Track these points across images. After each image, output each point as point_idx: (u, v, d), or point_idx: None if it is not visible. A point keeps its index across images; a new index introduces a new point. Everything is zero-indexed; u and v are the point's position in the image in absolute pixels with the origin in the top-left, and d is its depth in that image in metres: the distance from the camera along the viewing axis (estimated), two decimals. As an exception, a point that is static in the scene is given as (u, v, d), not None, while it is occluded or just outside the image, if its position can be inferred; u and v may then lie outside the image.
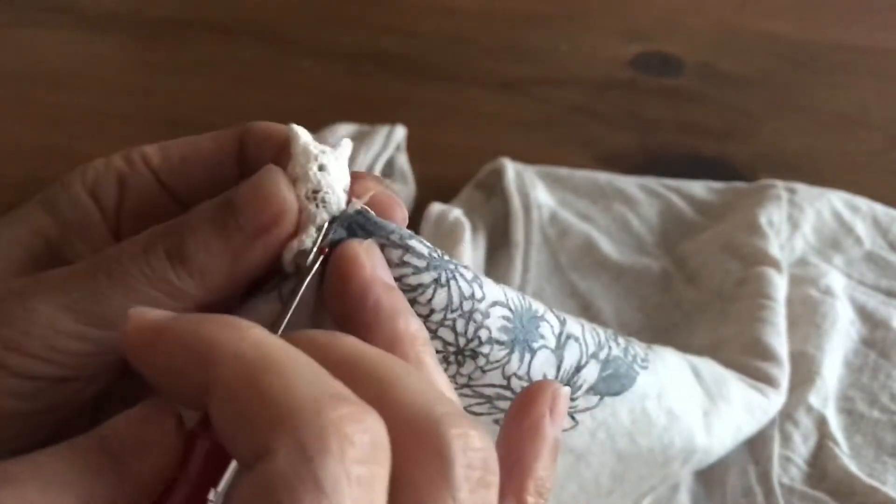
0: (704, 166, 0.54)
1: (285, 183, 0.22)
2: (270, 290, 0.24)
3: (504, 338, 0.26)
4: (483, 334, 0.26)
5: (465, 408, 0.27)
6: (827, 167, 0.54)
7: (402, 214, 0.24)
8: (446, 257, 0.25)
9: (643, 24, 0.62)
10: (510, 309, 0.27)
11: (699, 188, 0.51)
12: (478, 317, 0.26)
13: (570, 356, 0.29)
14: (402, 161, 0.53)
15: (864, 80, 0.58)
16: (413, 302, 0.24)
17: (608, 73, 0.60)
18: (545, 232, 0.49)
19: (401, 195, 0.52)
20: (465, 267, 0.26)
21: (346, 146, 0.25)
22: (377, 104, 0.58)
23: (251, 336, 0.18)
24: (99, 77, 0.61)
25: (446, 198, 0.51)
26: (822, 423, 0.40)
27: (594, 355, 0.29)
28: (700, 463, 0.36)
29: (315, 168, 0.23)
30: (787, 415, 0.40)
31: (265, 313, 0.23)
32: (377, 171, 0.52)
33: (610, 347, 0.30)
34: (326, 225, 0.23)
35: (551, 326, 0.28)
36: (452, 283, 0.25)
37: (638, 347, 0.33)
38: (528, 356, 0.27)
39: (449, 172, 0.53)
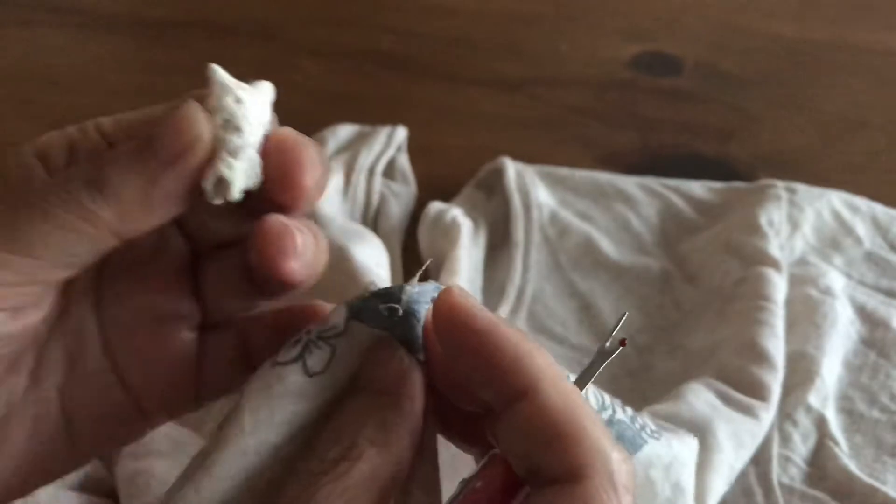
0: (704, 166, 0.54)
1: (201, 114, 0.23)
2: (290, 360, 0.24)
3: None
4: None
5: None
6: (827, 167, 0.54)
7: (309, 156, 0.25)
8: None
9: (643, 24, 0.62)
10: None
11: (699, 188, 0.51)
12: None
13: None
14: (403, 161, 0.53)
15: (864, 80, 0.58)
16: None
17: (608, 73, 0.60)
18: (545, 231, 0.49)
19: (402, 195, 0.52)
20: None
21: (267, 87, 0.26)
22: (377, 104, 0.58)
23: (561, 371, 0.22)
24: (99, 77, 0.61)
25: (446, 198, 0.51)
26: (821, 423, 0.40)
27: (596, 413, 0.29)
28: None
29: (231, 100, 0.24)
30: (786, 415, 0.40)
31: (292, 385, 0.24)
32: (379, 171, 0.52)
33: (614, 411, 0.30)
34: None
35: None
36: None
37: (647, 418, 0.32)
38: None
39: (449, 172, 0.53)
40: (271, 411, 0.23)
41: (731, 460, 0.36)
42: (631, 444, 0.30)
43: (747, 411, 0.38)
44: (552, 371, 0.22)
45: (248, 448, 0.23)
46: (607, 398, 0.30)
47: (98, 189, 0.22)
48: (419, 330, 0.24)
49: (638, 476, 0.31)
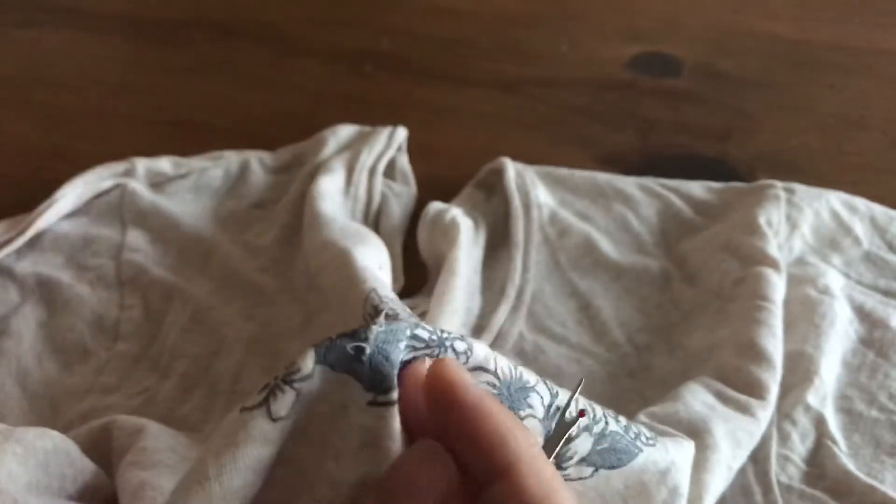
0: (703, 166, 0.54)
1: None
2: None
3: None
4: None
5: None
6: (825, 167, 0.54)
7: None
8: (445, 334, 0.26)
9: (642, 24, 0.62)
10: (497, 377, 0.27)
11: (698, 188, 0.51)
12: None
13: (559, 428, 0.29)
14: (403, 161, 0.54)
15: (863, 81, 0.58)
16: None
17: (608, 73, 0.60)
18: (545, 231, 0.49)
19: (402, 196, 0.52)
20: (462, 338, 0.27)
21: None
22: (377, 105, 0.58)
23: (540, 451, 0.23)
24: (100, 77, 0.61)
25: (446, 198, 0.51)
26: (820, 423, 0.40)
27: (587, 428, 0.29)
28: None
29: None
30: (785, 414, 0.40)
31: (256, 430, 0.24)
32: (380, 170, 0.52)
33: (606, 423, 0.30)
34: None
35: (541, 397, 0.28)
36: (440, 352, 0.26)
37: (642, 426, 0.32)
38: None
39: (449, 172, 0.54)
40: (234, 457, 0.23)
41: (728, 460, 0.36)
42: (625, 454, 0.30)
43: (744, 410, 0.38)
44: (531, 452, 0.23)
45: (213, 493, 0.23)
46: (599, 410, 0.30)
47: None
48: (389, 370, 0.24)
49: (631, 483, 0.31)
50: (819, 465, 0.39)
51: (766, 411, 0.38)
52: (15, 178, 0.55)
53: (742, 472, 0.38)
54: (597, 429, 0.30)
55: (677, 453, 0.33)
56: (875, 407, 0.41)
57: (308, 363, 0.24)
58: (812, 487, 0.38)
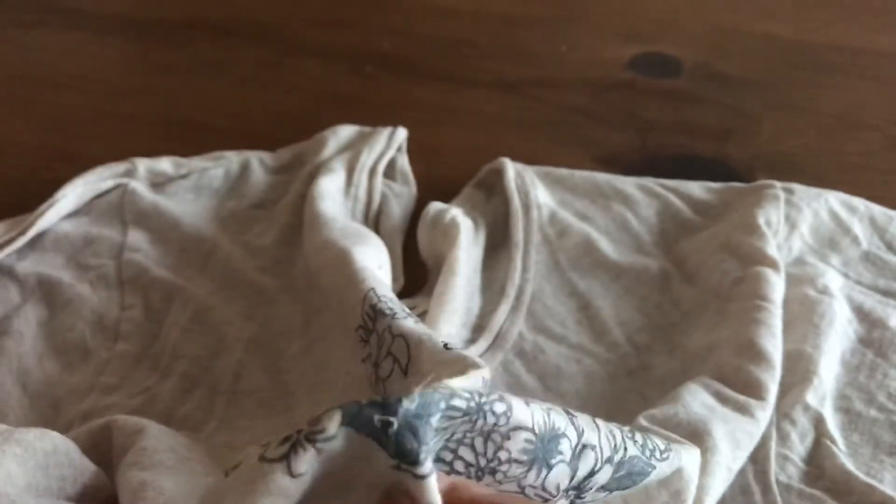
0: (703, 166, 0.54)
1: None
2: None
3: (524, 458, 0.27)
4: (503, 455, 0.27)
5: None
6: (825, 167, 0.54)
7: None
8: (483, 399, 0.26)
9: (642, 24, 0.62)
10: (534, 433, 0.27)
11: (697, 188, 0.51)
12: (496, 438, 0.26)
13: (585, 465, 0.29)
14: (403, 162, 0.54)
15: (863, 81, 0.59)
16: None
17: (607, 73, 0.60)
18: (544, 231, 0.49)
19: (402, 196, 0.52)
20: (500, 398, 0.26)
21: None
22: (377, 105, 0.59)
23: None
24: (100, 77, 0.61)
25: (446, 198, 0.51)
26: (819, 422, 0.40)
27: (609, 460, 0.30)
28: None
29: None
30: (784, 414, 0.40)
31: (274, 484, 0.24)
32: (380, 171, 0.52)
33: (626, 448, 0.30)
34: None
35: (570, 441, 0.28)
36: (479, 419, 0.26)
37: (657, 439, 0.32)
38: (544, 472, 0.28)
39: (449, 172, 0.54)
40: None
41: (728, 461, 0.36)
42: (639, 475, 0.31)
43: (743, 410, 0.38)
44: None
45: None
46: (619, 436, 0.30)
47: None
48: (415, 445, 0.24)
49: (633, 491, 0.32)
50: (818, 464, 0.39)
51: (765, 412, 0.39)
52: (15, 178, 0.55)
53: (741, 471, 0.38)
54: (616, 458, 0.30)
55: (686, 461, 0.33)
56: (874, 406, 0.41)
57: (333, 425, 0.24)
58: (811, 487, 0.38)
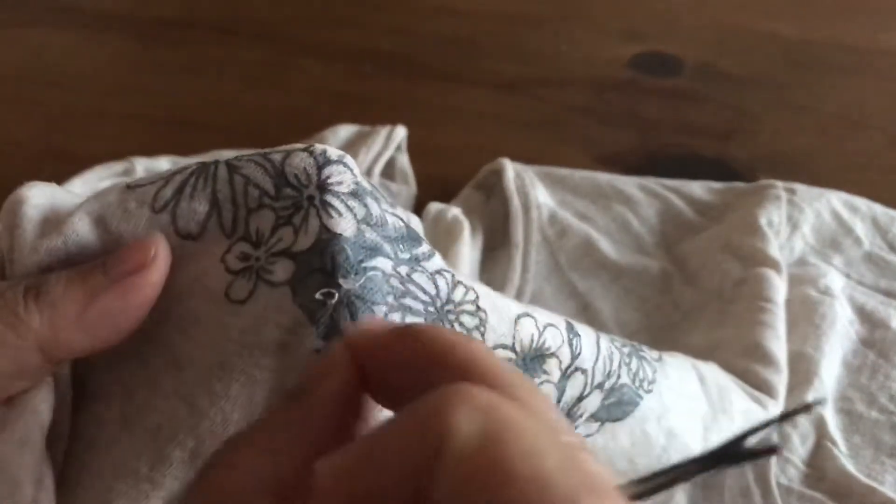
0: (704, 166, 0.54)
1: (162, 239, 0.22)
2: None
3: None
4: None
5: None
6: (826, 167, 0.54)
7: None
8: (449, 305, 0.24)
9: (642, 24, 0.62)
10: (514, 351, 0.26)
11: (698, 188, 0.51)
12: None
13: (573, 388, 0.28)
14: (403, 161, 0.54)
15: (864, 80, 0.58)
16: None
17: (608, 73, 0.60)
18: (544, 232, 0.49)
19: (401, 195, 0.52)
20: (477, 309, 0.25)
21: None
22: (377, 104, 0.58)
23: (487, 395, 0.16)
24: (99, 77, 0.61)
25: (446, 198, 0.51)
26: (820, 424, 0.40)
27: (599, 385, 0.29)
28: None
29: None
30: (785, 415, 0.40)
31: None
32: (378, 171, 0.52)
33: (619, 375, 0.30)
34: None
35: (559, 361, 0.28)
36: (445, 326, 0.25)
37: (648, 368, 0.32)
38: None
39: (449, 172, 0.53)
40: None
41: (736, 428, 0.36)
42: (629, 405, 0.31)
43: (756, 401, 0.38)
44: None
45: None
46: (616, 360, 0.30)
47: (34, 296, 0.21)
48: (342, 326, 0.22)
49: (635, 434, 0.31)
50: (819, 466, 0.39)
51: (777, 409, 0.38)
52: (13, 177, 0.54)
53: (742, 473, 0.38)
54: (608, 384, 0.29)
55: (668, 393, 0.33)
56: (875, 408, 0.41)
57: (283, 275, 0.22)
58: (812, 489, 0.38)
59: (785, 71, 0.59)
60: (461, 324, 0.25)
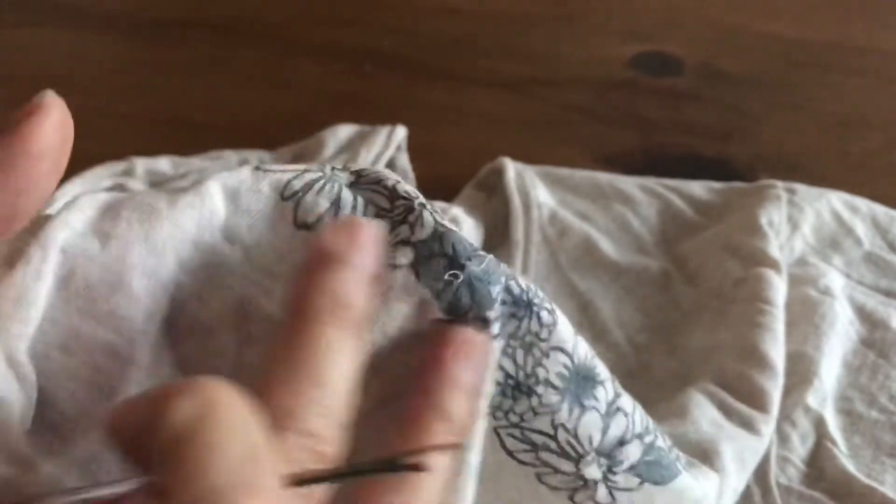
0: (704, 166, 0.54)
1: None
2: None
3: (559, 384, 0.27)
4: (540, 373, 0.26)
5: (512, 452, 0.28)
6: (827, 167, 0.54)
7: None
8: (534, 297, 0.26)
9: (643, 24, 0.62)
10: (572, 360, 0.27)
11: (699, 188, 0.51)
12: (536, 352, 0.26)
13: (616, 428, 0.28)
14: (404, 161, 0.54)
15: (864, 80, 0.58)
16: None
17: (608, 73, 0.60)
18: (545, 231, 0.49)
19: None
20: (551, 310, 0.26)
21: None
22: (377, 104, 0.58)
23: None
24: (99, 77, 0.61)
25: (447, 198, 0.51)
26: (820, 424, 0.40)
27: (639, 436, 0.29)
28: None
29: None
30: (784, 416, 0.40)
31: None
32: (377, 171, 0.52)
33: (656, 436, 0.30)
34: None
35: (606, 393, 0.28)
36: (526, 318, 0.26)
37: (679, 452, 0.32)
38: (577, 410, 0.27)
39: (449, 172, 0.53)
40: None
41: (735, 483, 0.36)
42: (668, 471, 0.30)
43: (749, 426, 0.38)
44: None
45: None
46: (651, 424, 0.30)
47: None
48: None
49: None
50: (819, 466, 0.39)
51: (769, 426, 0.38)
52: (14, 177, 0.55)
53: (742, 473, 0.38)
54: (647, 439, 0.29)
55: (706, 485, 0.32)
56: (875, 408, 0.41)
57: (404, 260, 0.25)
58: (811, 489, 0.38)
59: (785, 71, 0.59)
60: (540, 318, 0.26)
